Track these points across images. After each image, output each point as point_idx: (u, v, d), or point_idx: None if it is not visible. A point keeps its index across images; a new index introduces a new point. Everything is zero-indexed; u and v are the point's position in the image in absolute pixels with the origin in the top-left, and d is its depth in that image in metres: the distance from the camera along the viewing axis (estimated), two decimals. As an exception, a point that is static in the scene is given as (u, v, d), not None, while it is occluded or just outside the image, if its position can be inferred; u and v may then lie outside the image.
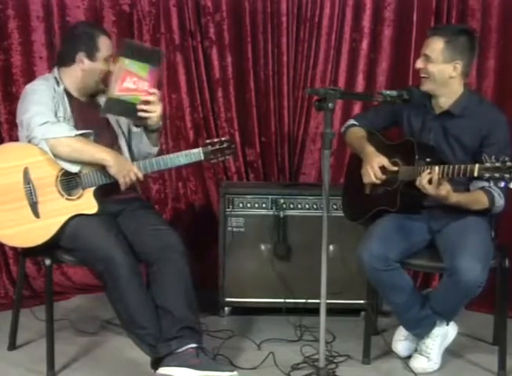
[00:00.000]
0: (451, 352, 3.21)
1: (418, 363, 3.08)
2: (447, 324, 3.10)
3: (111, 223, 3.00)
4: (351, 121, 3.34)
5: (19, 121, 3.03)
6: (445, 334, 3.11)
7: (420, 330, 3.10)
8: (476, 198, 2.97)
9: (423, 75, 3.04)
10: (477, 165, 2.70)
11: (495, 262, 3.00)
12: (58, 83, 3.08)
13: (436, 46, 2.98)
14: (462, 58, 2.99)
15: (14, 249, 3.87)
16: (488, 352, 3.24)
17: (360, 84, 4.07)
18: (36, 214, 2.92)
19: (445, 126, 3.06)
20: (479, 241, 2.91)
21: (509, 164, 2.61)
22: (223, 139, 3.18)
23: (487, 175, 2.66)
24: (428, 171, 2.84)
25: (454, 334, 3.16)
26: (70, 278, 4.06)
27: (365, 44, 4.05)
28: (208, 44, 4.04)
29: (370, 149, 3.12)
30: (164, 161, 3.07)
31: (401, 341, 3.19)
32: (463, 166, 2.78)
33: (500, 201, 2.96)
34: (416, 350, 3.14)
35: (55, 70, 3.13)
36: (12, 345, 3.22)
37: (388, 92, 2.85)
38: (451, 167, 2.82)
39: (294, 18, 4.03)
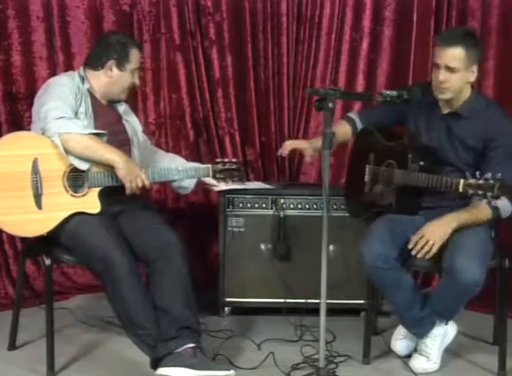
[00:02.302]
0: (451, 352, 3.20)
1: (418, 363, 3.08)
2: (446, 324, 3.10)
3: (111, 223, 2.99)
4: (350, 115, 3.37)
5: (36, 112, 3.02)
6: (444, 333, 3.10)
7: (420, 330, 3.10)
8: (478, 209, 2.92)
9: (445, 86, 2.95)
10: (461, 180, 2.71)
11: (495, 262, 3.00)
12: (83, 82, 3.10)
13: (458, 55, 2.91)
14: (477, 61, 2.96)
15: (14, 249, 3.87)
16: (488, 352, 3.24)
17: (360, 84, 4.07)
18: (39, 205, 2.91)
19: (450, 127, 3.05)
20: (477, 241, 2.90)
21: (491, 182, 2.59)
22: (234, 160, 3.24)
23: (471, 191, 2.66)
24: None
25: (454, 334, 3.16)
26: (70, 278, 4.06)
27: (365, 44, 4.05)
28: (208, 44, 4.04)
29: None
30: (172, 173, 3.10)
31: (400, 340, 3.19)
32: (449, 179, 2.79)
33: (503, 204, 2.86)
34: (415, 350, 3.14)
35: (81, 69, 3.15)
36: (12, 345, 3.22)
37: (388, 92, 2.84)
38: (438, 178, 2.83)
39: (294, 18, 4.04)
